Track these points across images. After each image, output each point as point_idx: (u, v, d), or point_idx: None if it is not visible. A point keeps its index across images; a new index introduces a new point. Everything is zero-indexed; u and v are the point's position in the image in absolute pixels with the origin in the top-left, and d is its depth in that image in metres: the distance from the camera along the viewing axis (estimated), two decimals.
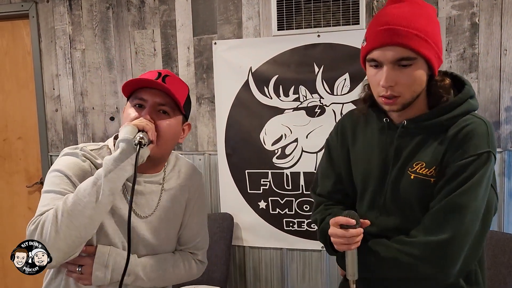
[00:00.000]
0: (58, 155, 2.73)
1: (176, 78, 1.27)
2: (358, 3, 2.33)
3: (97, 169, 1.16)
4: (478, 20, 2.23)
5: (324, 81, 2.41)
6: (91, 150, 1.24)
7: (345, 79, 2.39)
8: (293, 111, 2.47)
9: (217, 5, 2.54)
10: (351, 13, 2.35)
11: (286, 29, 2.44)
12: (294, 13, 2.42)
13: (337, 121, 2.38)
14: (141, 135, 1.10)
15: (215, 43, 2.53)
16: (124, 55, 2.70)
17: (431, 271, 1.07)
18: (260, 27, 2.50)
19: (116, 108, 2.74)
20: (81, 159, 1.20)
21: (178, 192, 1.33)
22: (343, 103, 2.40)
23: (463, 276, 1.13)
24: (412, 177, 1.12)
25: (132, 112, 1.21)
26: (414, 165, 1.13)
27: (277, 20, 2.44)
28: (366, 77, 1.24)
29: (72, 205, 1.06)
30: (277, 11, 2.44)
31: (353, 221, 1.11)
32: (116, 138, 1.28)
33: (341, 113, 2.42)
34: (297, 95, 2.45)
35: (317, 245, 2.51)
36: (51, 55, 2.81)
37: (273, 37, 2.46)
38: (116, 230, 1.19)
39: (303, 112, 2.46)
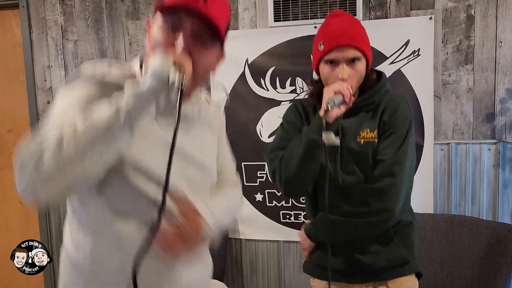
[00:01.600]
0: None
1: (219, 1, 1.02)
2: None
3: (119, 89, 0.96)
4: (474, 12, 2.25)
5: None
6: (118, 78, 1.00)
7: None
8: (290, 102, 2.45)
9: None
10: (348, 3, 2.34)
11: (283, 21, 2.43)
12: (290, 4, 2.41)
13: None
14: (177, 76, 0.89)
15: None
16: (117, 46, 2.66)
17: (380, 206, 1.35)
18: (256, 18, 2.48)
19: None
20: (105, 90, 0.97)
21: (211, 117, 1.18)
22: None
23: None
24: (362, 142, 1.41)
25: (163, 34, 0.97)
26: (361, 133, 1.42)
27: (274, 11, 2.43)
28: (309, 79, 1.56)
29: (82, 135, 0.84)
30: (274, 2, 2.42)
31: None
32: (141, 66, 1.07)
33: None
34: (294, 87, 2.45)
35: None
36: (43, 46, 2.75)
37: (269, 29, 2.45)
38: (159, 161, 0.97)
39: None
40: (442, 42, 2.29)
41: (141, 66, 1.07)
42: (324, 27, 1.44)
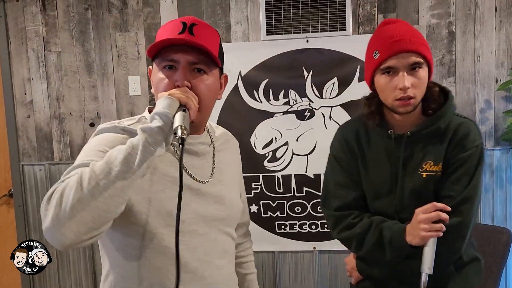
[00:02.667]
0: (31, 164, 2.61)
1: (204, 24, 1.06)
2: (345, 10, 2.42)
3: (132, 136, 0.99)
4: (455, 29, 2.41)
5: (313, 85, 2.48)
6: (129, 125, 1.05)
7: (333, 83, 2.47)
8: (283, 114, 2.51)
9: (205, 9, 2.52)
10: (338, 19, 2.43)
11: (275, 34, 2.48)
12: (282, 18, 2.46)
13: (326, 124, 2.48)
14: (183, 123, 0.91)
15: None
16: (105, 58, 2.59)
17: (446, 249, 1.23)
18: (249, 32, 2.51)
19: (97, 113, 2.62)
20: (120, 133, 1.02)
21: (229, 152, 1.20)
22: (331, 107, 2.48)
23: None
24: (424, 175, 1.27)
25: (164, 76, 1.02)
26: (423, 165, 1.27)
27: (266, 25, 2.47)
28: (362, 97, 1.40)
29: (101, 172, 0.87)
30: (266, 16, 2.47)
31: (448, 208, 1.20)
32: (151, 111, 1.11)
33: (330, 116, 2.49)
34: (287, 99, 2.50)
35: (308, 246, 2.56)
36: (22, 58, 2.63)
37: (262, 42, 2.49)
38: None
39: (293, 115, 2.50)
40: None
41: (150, 112, 1.11)
42: (378, 34, 1.29)
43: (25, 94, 2.64)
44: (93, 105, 2.62)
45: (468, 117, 1.33)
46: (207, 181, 1.10)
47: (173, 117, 0.92)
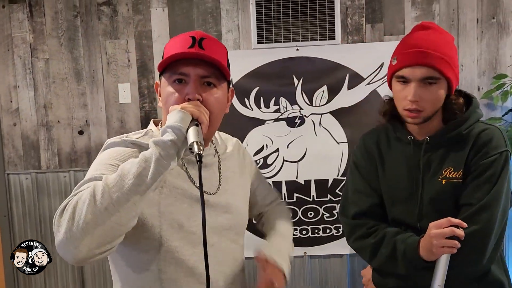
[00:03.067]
0: (17, 173, 2.55)
1: (213, 38, 1.07)
2: (334, 20, 2.48)
3: (141, 149, 1.01)
4: None
5: (303, 93, 2.52)
6: (137, 138, 1.07)
7: (323, 90, 2.51)
8: (274, 122, 2.54)
9: (196, 17, 2.53)
10: (327, 28, 2.49)
11: (266, 42, 2.51)
12: (273, 27, 2.50)
13: (316, 131, 2.53)
14: (198, 138, 0.91)
15: None
16: (94, 66, 2.57)
17: (461, 260, 1.18)
18: (240, 40, 2.54)
19: (86, 121, 2.60)
20: (130, 147, 1.03)
21: (233, 160, 1.22)
22: (321, 114, 2.53)
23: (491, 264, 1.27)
24: (443, 182, 1.24)
25: (173, 90, 1.02)
26: (443, 172, 1.25)
27: (257, 33, 2.51)
28: (384, 95, 1.42)
29: (114, 186, 0.86)
30: (257, 24, 2.50)
31: (465, 224, 1.17)
32: (156, 123, 1.14)
33: (320, 123, 2.54)
34: (277, 106, 2.53)
35: (299, 251, 2.59)
36: (8, 65, 2.58)
37: (253, 50, 2.52)
38: (189, 215, 1.05)
39: (284, 122, 2.54)
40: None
41: (155, 124, 1.13)
42: (405, 39, 1.28)
43: (11, 101, 2.59)
44: (82, 113, 2.60)
45: (494, 124, 1.28)
46: (215, 193, 1.12)
47: (186, 131, 0.92)
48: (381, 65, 2.49)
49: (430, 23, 1.30)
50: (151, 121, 1.15)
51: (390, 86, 1.32)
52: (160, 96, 1.09)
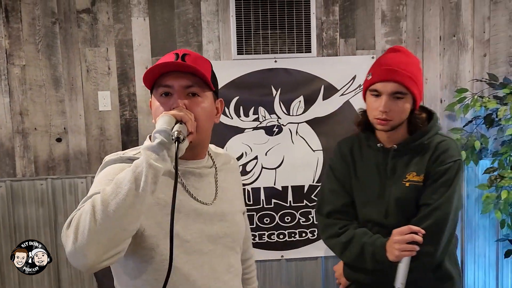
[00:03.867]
0: None
1: (196, 54, 1.14)
2: (310, 34, 2.61)
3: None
4: None
5: (281, 103, 2.63)
6: (134, 155, 1.11)
7: (300, 101, 2.64)
8: (253, 130, 2.64)
9: (177, 27, 2.59)
10: (304, 42, 2.62)
11: (245, 54, 2.60)
12: (252, 39, 2.60)
13: (293, 139, 2.65)
14: (179, 129, 0.98)
15: None
16: (73, 73, 2.56)
17: (421, 251, 1.38)
18: (220, 51, 2.62)
19: (64, 128, 2.58)
20: (127, 163, 1.08)
21: (230, 172, 1.27)
22: (298, 123, 2.65)
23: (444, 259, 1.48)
24: (407, 185, 1.45)
25: (160, 102, 1.10)
26: (407, 176, 1.46)
27: (237, 45, 2.59)
28: (359, 108, 1.63)
29: (111, 194, 0.92)
30: (237, 36, 2.59)
31: (423, 231, 1.39)
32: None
33: (296, 132, 2.66)
34: (256, 115, 2.63)
35: (276, 255, 2.70)
36: None
37: (233, 61, 2.60)
38: (184, 224, 1.10)
39: (262, 131, 2.64)
40: None
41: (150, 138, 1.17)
42: (379, 59, 1.52)
43: None
44: (60, 120, 2.58)
45: (450, 137, 1.53)
46: (211, 203, 1.17)
47: (171, 130, 0.98)
48: (354, 77, 2.65)
49: (400, 47, 1.54)
50: (147, 137, 1.17)
51: (364, 98, 1.53)
52: (152, 110, 1.15)
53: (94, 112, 2.59)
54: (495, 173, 2.42)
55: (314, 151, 2.68)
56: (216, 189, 1.20)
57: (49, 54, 2.54)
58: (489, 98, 2.52)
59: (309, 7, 2.59)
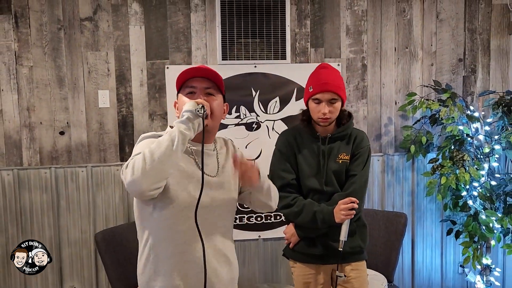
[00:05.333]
0: None
1: (212, 69, 1.54)
2: (285, 44, 3.02)
3: None
4: (366, 62, 3.14)
5: (260, 103, 3.04)
6: (160, 133, 1.52)
7: (276, 101, 3.05)
8: (235, 126, 3.03)
9: (169, 35, 2.95)
10: (280, 50, 3.03)
11: (229, 59, 2.99)
12: (235, 47, 2.99)
13: (270, 134, 3.05)
14: (202, 106, 1.41)
15: (168, 67, 2.94)
16: (76, 74, 2.88)
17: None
18: (207, 56, 2.99)
19: (67, 123, 2.90)
20: (156, 138, 1.45)
21: (225, 152, 1.65)
22: (274, 120, 3.06)
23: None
24: (340, 162, 2.03)
25: (187, 98, 1.50)
26: (339, 156, 2.03)
27: (222, 51, 2.98)
28: (300, 109, 2.19)
29: (155, 148, 1.34)
30: (222, 44, 2.97)
31: (357, 201, 1.96)
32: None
33: (273, 128, 3.07)
34: (238, 113, 3.02)
35: (254, 235, 3.10)
36: None
37: (218, 65, 2.98)
38: (194, 186, 1.48)
39: (243, 127, 3.04)
40: (346, 82, 3.13)
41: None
42: (315, 75, 2.04)
43: None
44: (64, 115, 2.89)
45: (361, 129, 2.22)
46: (215, 176, 1.56)
47: (195, 110, 1.40)
48: None
49: (327, 64, 2.09)
50: (168, 126, 1.59)
51: (306, 104, 2.07)
52: (177, 110, 1.57)
53: (94, 108, 2.92)
54: (437, 162, 2.90)
55: None
56: (218, 165, 1.59)
57: (55, 56, 2.86)
58: (433, 101, 3.00)
59: (285, 20, 3.01)
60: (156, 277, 1.50)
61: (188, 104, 1.43)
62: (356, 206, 1.93)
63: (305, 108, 2.10)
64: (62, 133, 2.90)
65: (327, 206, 1.98)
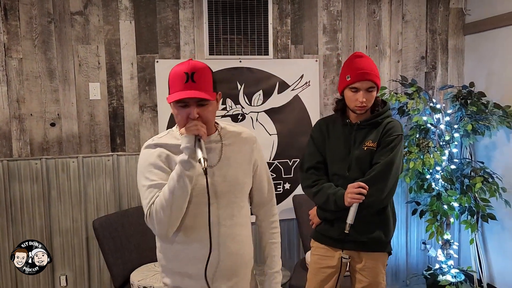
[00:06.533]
0: None
1: (201, 69, 1.48)
2: (268, 40, 3.24)
3: (166, 147, 1.52)
4: (341, 59, 3.42)
5: (245, 95, 3.23)
6: (160, 137, 1.57)
7: (259, 94, 3.26)
8: (221, 117, 3.20)
9: (159, 30, 3.07)
10: (263, 46, 3.24)
11: (216, 54, 3.16)
12: (222, 42, 3.17)
13: (254, 125, 3.26)
14: (201, 157, 1.39)
15: (157, 61, 3.07)
16: (67, 66, 2.94)
17: (371, 193, 1.94)
18: (195, 51, 3.15)
19: (58, 114, 2.96)
20: (153, 150, 1.53)
21: (237, 145, 1.61)
22: (258, 112, 3.28)
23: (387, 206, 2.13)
24: (365, 149, 2.02)
25: (180, 113, 1.47)
26: (366, 143, 2.02)
27: (209, 47, 3.15)
28: (335, 98, 2.25)
29: (168, 199, 1.42)
30: (209, 39, 3.14)
31: (367, 187, 1.96)
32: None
33: (257, 119, 3.28)
34: (224, 106, 3.20)
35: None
36: None
37: (205, 60, 3.14)
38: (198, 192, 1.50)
39: (229, 118, 3.23)
40: (323, 77, 3.39)
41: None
42: (350, 64, 2.02)
43: None
44: (54, 107, 2.95)
45: (396, 119, 2.10)
46: (214, 166, 1.55)
47: (194, 145, 1.41)
48: (302, 76, 3.33)
49: (361, 53, 2.08)
50: (174, 130, 1.61)
51: (341, 92, 2.08)
52: (172, 110, 1.54)
53: (85, 100, 3.00)
54: (406, 149, 3.23)
55: (270, 135, 3.32)
56: (220, 157, 1.57)
57: (45, 49, 2.90)
58: (401, 94, 3.33)
59: (267, 19, 3.22)
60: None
61: (184, 139, 1.44)
62: (364, 191, 1.94)
63: (339, 97, 2.13)
64: (53, 124, 2.96)
65: (342, 190, 2.01)
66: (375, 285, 2.09)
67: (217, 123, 1.63)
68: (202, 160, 1.38)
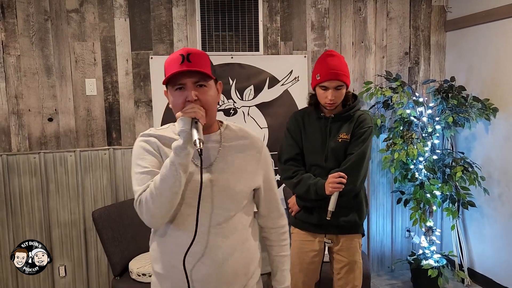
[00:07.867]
0: None
1: (196, 51, 1.38)
2: (258, 37, 3.36)
3: (160, 138, 1.41)
4: None
5: (236, 90, 3.35)
6: (158, 129, 1.46)
7: (250, 89, 3.38)
8: None
9: (153, 28, 3.17)
10: (253, 43, 3.36)
11: (208, 51, 3.27)
12: (214, 39, 3.28)
13: (246, 119, 3.38)
14: (197, 138, 1.26)
15: (152, 57, 3.17)
16: (63, 63, 3.03)
17: (349, 181, 2.10)
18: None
19: (55, 109, 3.04)
20: (146, 139, 1.42)
21: (239, 148, 1.47)
22: (249, 106, 3.40)
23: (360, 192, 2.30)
24: (340, 141, 2.18)
25: (177, 97, 1.35)
26: (340, 135, 2.17)
27: (201, 43, 3.25)
28: (309, 92, 2.36)
29: (159, 187, 1.29)
30: (201, 36, 3.25)
31: (346, 176, 2.12)
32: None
33: (248, 113, 3.40)
34: None
35: None
36: None
37: None
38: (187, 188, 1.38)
39: (221, 113, 3.34)
40: (312, 72, 3.53)
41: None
42: (321, 63, 2.15)
43: None
44: (52, 103, 3.03)
45: (366, 111, 2.29)
46: (206, 167, 1.41)
47: (191, 128, 1.28)
48: (291, 72, 3.46)
49: (333, 51, 2.21)
50: (172, 125, 1.48)
51: (314, 89, 2.24)
52: (169, 100, 1.42)
53: (82, 96, 3.09)
54: (390, 141, 3.39)
55: (261, 128, 3.45)
56: (215, 159, 1.43)
57: (42, 46, 2.98)
58: (386, 88, 3.48)
59: (258, 16, 3.34)
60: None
61: (179, 122, 1.32)
62: (344, 180, 2.09)
63: (312, 92, 2.26)
64: (50, 119, 3.04)
65: (322, 180, 2.14)
66: (353, 263, 2.27)
67: (221, 122, 1.52)
68: (197, 142, 1.26)
